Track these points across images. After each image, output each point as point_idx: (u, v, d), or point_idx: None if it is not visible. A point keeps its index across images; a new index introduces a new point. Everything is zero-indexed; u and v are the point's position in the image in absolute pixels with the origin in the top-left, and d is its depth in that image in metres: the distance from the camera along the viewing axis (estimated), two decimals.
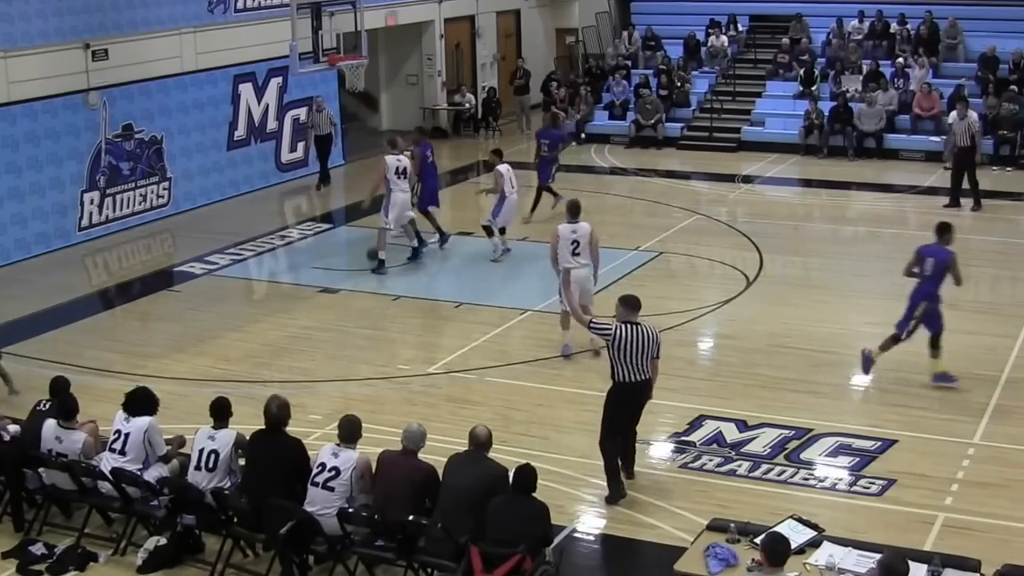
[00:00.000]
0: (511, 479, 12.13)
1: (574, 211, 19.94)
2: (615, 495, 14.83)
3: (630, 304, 14.91)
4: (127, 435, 13.64)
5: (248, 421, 14.00)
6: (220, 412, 13.44)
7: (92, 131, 27.16)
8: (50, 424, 13.94)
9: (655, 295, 22.44)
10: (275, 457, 12.93)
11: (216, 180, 30.65)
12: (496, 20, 42.19)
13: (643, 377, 14.62)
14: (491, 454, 12.61)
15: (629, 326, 14.60)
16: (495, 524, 11.90)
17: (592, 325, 15.16)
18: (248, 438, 13.23)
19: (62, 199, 26.58)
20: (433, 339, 20.80)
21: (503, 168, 25.11)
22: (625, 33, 41.48)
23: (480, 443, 12.56)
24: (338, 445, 12.75)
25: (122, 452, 13.59)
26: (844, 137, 34.49)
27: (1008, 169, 32.25)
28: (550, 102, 38.82)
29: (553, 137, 28.21)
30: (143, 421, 13.71)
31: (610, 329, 14.58)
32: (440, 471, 12.63)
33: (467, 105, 39.50)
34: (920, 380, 18.30)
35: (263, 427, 13.10)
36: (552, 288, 20.96)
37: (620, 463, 15.00)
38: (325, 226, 28.45)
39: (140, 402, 13.94)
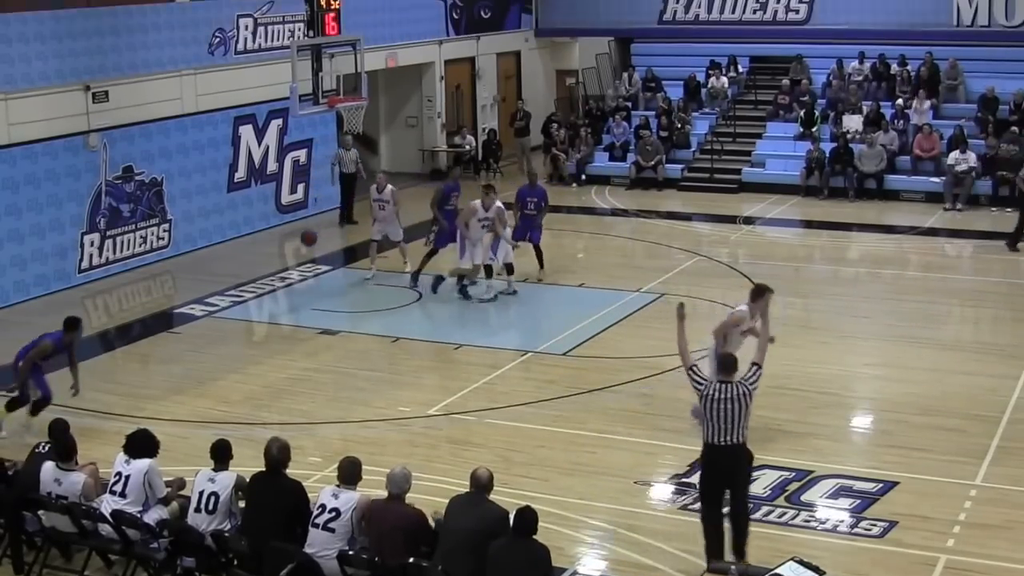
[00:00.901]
0: (512, 522, 12.07)
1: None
2: (714, 565, 13.62)
3: (727, 365, 14.35)
4: (128, 477, 13.58)
5: (248, 463, 13.96)
6: (221, 454, 13.40)
7: (92, 173, 27.19)
8: (48, 466, 13.88)
9: (657, 337, 22.44)
10: (275, 499, 12.88)
11: (216, 222, 30.66)
12: (496, 62, 42.26)
13: (733, 441, 13.68)
14: (491, 496, 12.56)
15: (724, 386, 13.89)
16: (496, 567, 11.82)
17: (692, 372, 14.25)
18: (248, 480, 13.20)
19: (62, 241, 26.59)
20: (433, 381, 20.77)
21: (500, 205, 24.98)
22: (625, 74, 41.57)
23: (481, 485, 12.51)
24: (338, 486, 12.71)
25: (123, 494, 13.52)
26: (845, 178, 34.53)
27: (1008, 210, 32.24)
28: (550, 144, 38.92)
29: (539, 195, 26.86)
30: (143, 463, 13.65)
31: (703, 384, 13.95)
32: (441, 512, 12.59)
33: (467, 147, 39.50)
34: (920, 421, 18.27)
35: (263, 469, 13.06)
36: (554, 330, 21.10)
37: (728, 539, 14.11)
38: (325, 268, 28.43)
39: (140, 444, 13.89)
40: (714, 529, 13.88)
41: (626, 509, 15.59)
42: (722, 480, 13.87)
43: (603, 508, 15.61)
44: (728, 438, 13.64)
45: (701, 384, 13.89)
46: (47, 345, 18.33)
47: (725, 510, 13.88)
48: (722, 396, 13.69)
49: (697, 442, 16.92)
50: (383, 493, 12.69)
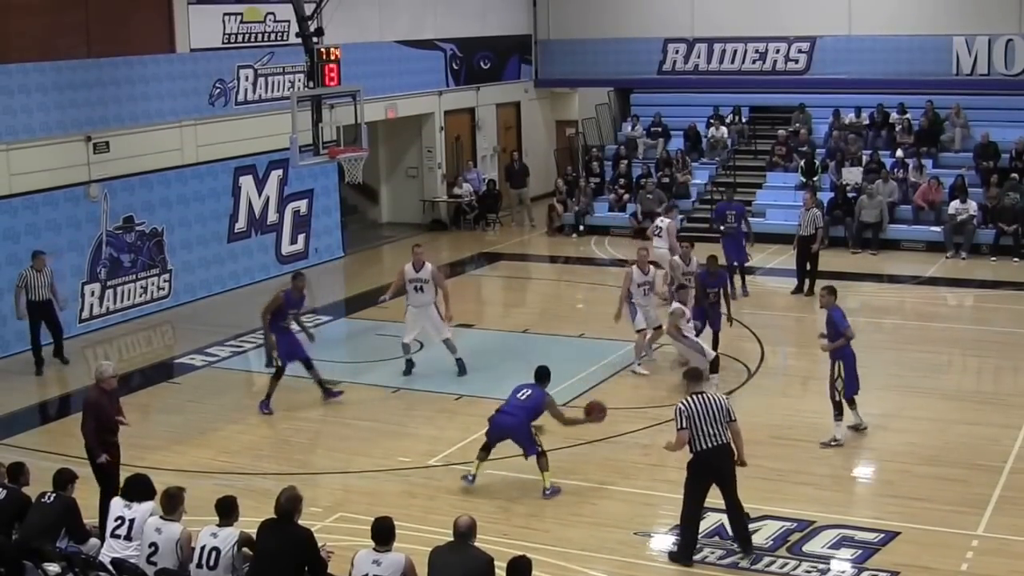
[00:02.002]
0: (506, 572, 11.97)
1: None
2: (683, 557, 15.48)
3: (693, 376, 15.94)
4: (131, 521, 13.54)
5: (248, 513, 13.90)
6: (225, 510, 13.30)
7: (93, 223, 27.24)
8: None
9: (656, 387, 22.49)
10: (284, 548, 12.78)
11: (216, 272, 30.67)
12: (496, 112, 42.38)
13: (720, 442, 15.24)
14: (493, 548, 12.48)
15: (697, 396, 15.38)
16: None
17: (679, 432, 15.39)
18: (258, 527, 13.08)
19: (62, 291, 26.54)
20: (433, 432, 20.70)
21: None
22: (627, 124, 41.65)
23: (463, 532, 12.38)
24: (376, 549, 12.39)
25: (127, 538, 13.48)
26: (845, 227, 34.55)
27: (1015, 260, 32.26)
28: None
29: (720, 281, 24.58)
30: (147, 506, 13.62)
31: (683, 412, 15.24)
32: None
33: (466, 197, 39.52)
34: (922, 471, 18.22)
35: (271, 517, 12.97)
36: (554, 380, 20.97)
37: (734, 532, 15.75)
38: (326, 318, 28.40)
39: (139, 488, 13.87)
40: (694, 529, 15.61)
41: (626, 560, 15.54)
42: (712, 481, 15.46)
43: (603, 559, 15.55)
44: (715, 441, 15.24)
45: (682, 414, 15.28)
46: (278, 297, 21.90)
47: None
48: (700, 405, 15.23)
49: None
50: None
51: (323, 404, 22.23)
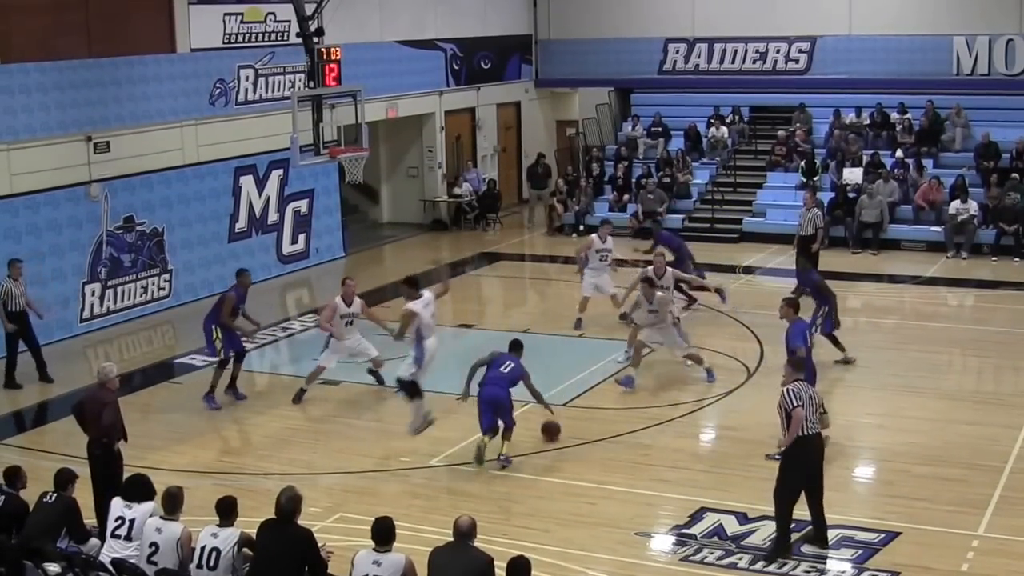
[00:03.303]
0: (506, 572, 11.98)
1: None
2: (780, 551, 15.55)
3: (797, 365, 16.22)
4: (131, 521, 13.57)
5: (249, 514, 13.92)
6: (226, 510, 13.30)
7: (94, 223, 27.25)
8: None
9: (656, 386, 22.49)
10: (284, 548, 12.78)
11: (217, 272, 30.64)
12: (496, 112, 42.40)
13: (817, 430, 15.53)
14: (493, 548, 12.49)
15: (801, 383, 15.69)
16: None
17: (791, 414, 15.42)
18: (258, 527, 13.09)
19: (63, 291, 26.61)
20: (434, 432, 20.70)
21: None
22: (627, 124, 41.65)
23: (463, 533, 12.38)
24: (375, 550, 12.39)
25: (128, 538, 13.51)
26: (845, 227, 34.56)
27: (1016, 260, 32.27)
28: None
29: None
30: (147, 507, 13.66)
31: (796, 394, 15.39)
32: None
33: (466, 196, 39.52)
34: (922, 471, 18.23)
35: (272, 517, 12.97)
36: (554, 381, 21.08)
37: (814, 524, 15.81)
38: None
39: (138, 488, 13.90)
40: (790, 511, 15.70)
41: (626, 560, 15.55)
42: (814, 468, 15.66)
43: (603, 559, 15.56)
44: (815, 428, 15.49)
45: (796, 399, 15.37)
46: (231, 298, 22.25)
47: None
48: (805, 392, 15.44)
49: (699, 493, 17.01)
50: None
51: (323, 403, 22.26)
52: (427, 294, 19.60)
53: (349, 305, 22.61)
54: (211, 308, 22.63)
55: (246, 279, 22.98)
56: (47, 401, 23.13)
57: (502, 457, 18.74)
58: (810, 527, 15.79)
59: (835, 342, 23.69)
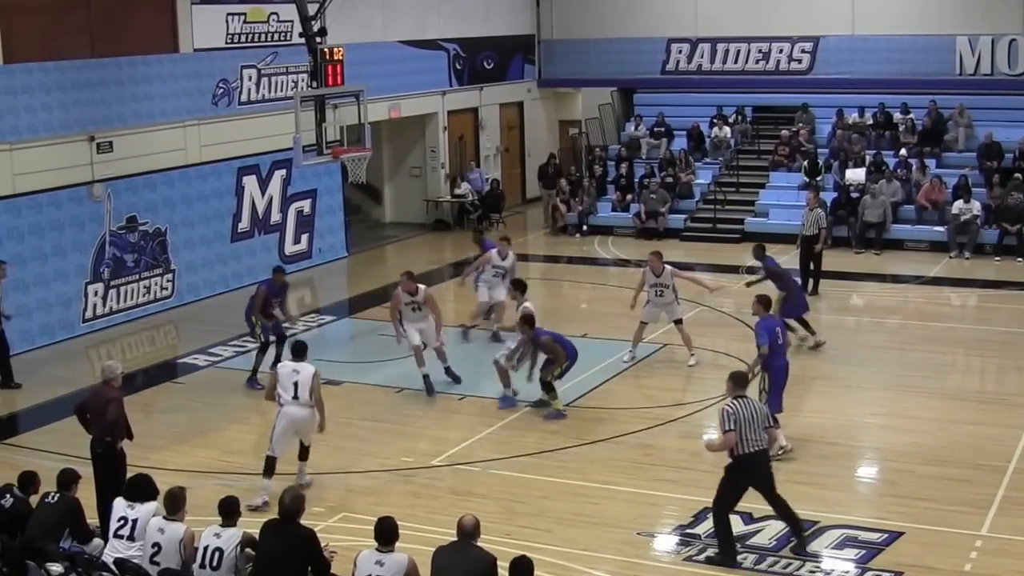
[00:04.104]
0: (508, 572, 11.96)
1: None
2: (728, 557, 15.47)
3: (739, 380, 15.74)
4: (134, 521, 13.57)
5: (251, 514, 13.92)
6: (228, 511, 13.29)
7: (96, 223, 27.25)
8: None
9: (659, 387, 22.52)
10: (287, 548, 12.77)
11: (220, 272, 30.68)
12: (499, 112, 42.41)
13: (761, 447, 15.27)
14: (496, 548, 12.47)
15: (741, 400, 15.32)
16: None
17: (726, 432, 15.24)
18: (261, 527, 13.08)
19: (66, 291, 26.62)
20: (437, 431, 20.70)
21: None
22: (630, 124, 41.63)
23: (467, 532, 12.38)
24: (378, 550, 12.38)
25: (131, 538, 13.51)
26: (848, 227, 34.55)
27: (1019, 260, 32.25)
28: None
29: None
30: (150, 507, 13.66)
31: (731, 415, 15.09)
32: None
33: (469, 196, 39.51)
34: (926, 471, 18.22)
35: (275, 517, 12.96)
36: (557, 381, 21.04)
37: (789, 527, 15.89)
38: (329, 318, 28.41)
39: (141, 488, 13.90)
40: (729, 527, 15.57)
41: (630, 560, 15.54)
42: (752, 484, 15.51)
43: (607, 559, 15.56)
44: (756, 446, 15.21)
45: (728, 416, 15.11)
46: (262, 292, 23.09)
47: None
48: (744, 409, 15.14)
49: (703, 493, 16.97)
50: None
51: (326, 403, 22.22)
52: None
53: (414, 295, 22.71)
54: (248, 300, 23.59)
55: (278, 278, 23.61)
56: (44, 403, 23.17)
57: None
58: (789, 529, 15.92)
59: (805, 325, 24.46)
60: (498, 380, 21.92)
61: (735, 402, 15.24)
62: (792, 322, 23.53)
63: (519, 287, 22.83)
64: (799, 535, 15.74)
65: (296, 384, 17.85)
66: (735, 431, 15.00)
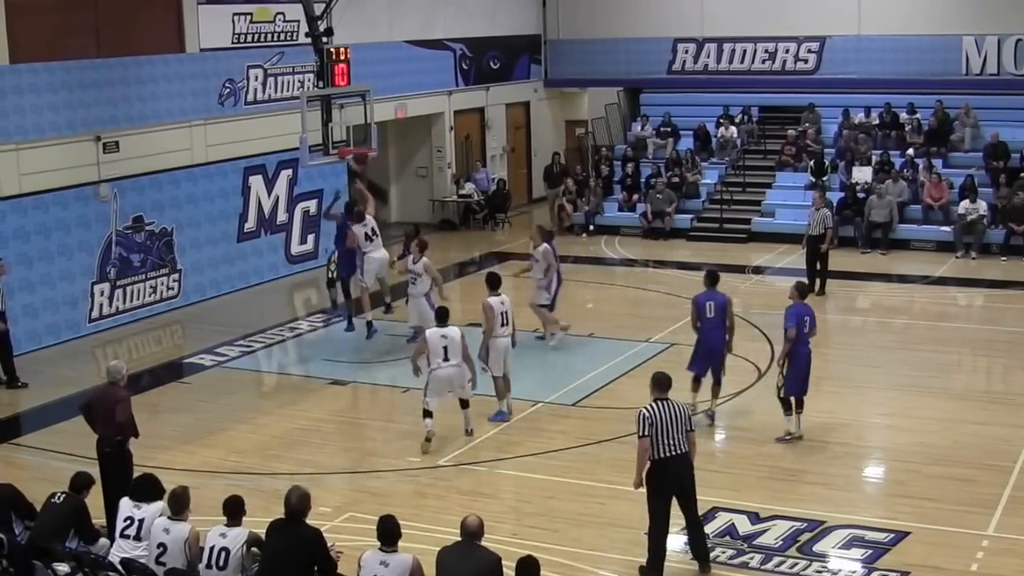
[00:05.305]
0: (515, 572, 11.93)
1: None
2: (652, 571, 14.96)
3: (660, 382, 15.05)
4: (140, 521, 13.57)
5: (257, 513, 13.91)
6: (233, 510, 13.26)
7: (103, 223, 27.26)
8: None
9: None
10: (293, 548, 12.76)
11: (226, 272, 30.69)
12: (506, 112, 42.39)
13: (680, 452, 14.72)
14: (502, 547, 12.45)
15: (660, 403, 14.76)
16: None
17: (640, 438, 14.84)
18: (267, 527, 13.06)
19: (72, 290, 26.63)
20: (443, 431, 20.68)
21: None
22: (636, 124, 41.62)
23: (471, 532, 12.33)
24: (382, 550, 12.35)
25: (137, 538, 13.51)
26: (854, 227, 34.52)
27: None
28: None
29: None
30: (156, 507, 13.65)
31: (646, 419, 14.62)
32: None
33: (474, 196, 39.49)
34: (932, 471, 18.20)
35: (280, 517, 12.94)
36: (563, 380, 21.01)
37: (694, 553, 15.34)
38: (335, 318, 28.40)
39: (147, 488, 13.90)
40: (661, 546, 15.00)
41: (636, 560, 15.47)
42: (674, 492, 14.97)
43: (613, 559, 15.53)
44: (675, 450, 14.70)
45: (644, 421, 14.64)
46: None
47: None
48: (663, 412, 14.65)
49: (710, 493, 16.94)
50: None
51: (332, 403, 22.26)
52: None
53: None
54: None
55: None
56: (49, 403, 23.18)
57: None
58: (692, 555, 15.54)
59: None
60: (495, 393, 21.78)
61: (653, 405, 14.77)
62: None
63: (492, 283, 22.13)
64: (703, 562, 15.28)
65: (446, 348, 19.54)
66: (649, 436, 14.58)
